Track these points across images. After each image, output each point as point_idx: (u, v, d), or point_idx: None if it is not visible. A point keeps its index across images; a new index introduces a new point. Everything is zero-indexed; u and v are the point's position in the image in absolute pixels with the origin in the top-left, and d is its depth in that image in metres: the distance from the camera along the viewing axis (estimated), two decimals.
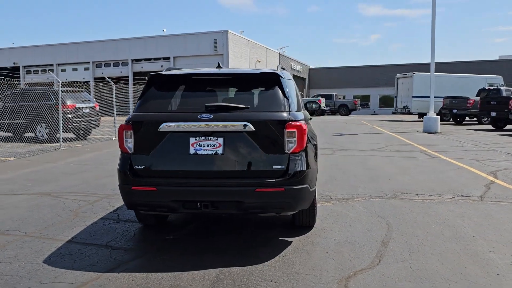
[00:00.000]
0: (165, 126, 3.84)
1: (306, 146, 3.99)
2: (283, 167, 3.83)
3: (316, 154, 4.41)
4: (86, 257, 3.93)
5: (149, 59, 33.31)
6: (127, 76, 33.37)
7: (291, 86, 4.35)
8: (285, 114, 3.88)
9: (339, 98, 36.51)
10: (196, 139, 3.84)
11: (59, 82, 12.80)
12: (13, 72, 34.51)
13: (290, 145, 3.85)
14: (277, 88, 4.03)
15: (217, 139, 3.83)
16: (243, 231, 4.70)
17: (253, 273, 3.52)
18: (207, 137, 3.84)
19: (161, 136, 3.88)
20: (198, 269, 3.60)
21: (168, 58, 32.36)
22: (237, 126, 3.80)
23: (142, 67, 33.80)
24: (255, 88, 4.07)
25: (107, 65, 34.94)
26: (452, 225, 4.77)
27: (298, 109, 4.31)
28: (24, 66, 38.37)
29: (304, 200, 4.00)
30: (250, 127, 3.79)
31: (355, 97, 42.70)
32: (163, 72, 4.22)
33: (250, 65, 34.10)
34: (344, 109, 34.33)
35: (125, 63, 34.00)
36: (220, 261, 3.79)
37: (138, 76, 33.14)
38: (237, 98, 4.01)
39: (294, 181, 3.83)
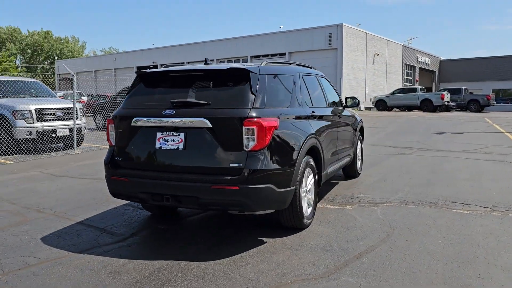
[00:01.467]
0: (135, 121, 4.05)
1: (272, 144, 3.81)
2: (240, 165, 3.73)
3: (294, 153, 4.15)
4: (75, 237, 4.37)
5: (267, 55, 34.23)
6: None
7: (271, 81, 4.18)
8: (244, 111, 3.76)
9: (471, 93, 32.84)
10: (161, 134, 3.97)
11: None
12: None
13: (249, 142, 3.73)
14: (244, 84, 3.92)
15: (179, 135, 3.91)
16: (232, 226, 4.69)
17: (193, 269, 3.52)
18: (170, 132, 3.94)
19: (135, 131, 4.10)
20: (151, 259, 3.74)
21: (284, 54, 32.86)
22: (195, 122, 3.82)
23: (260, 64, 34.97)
24: (223, 84, 4.02)
25: (229, 62, 36.96)
26: (465, 243, 4.07)
27: (280, 106, 4.14)
28: (161, 65, 42.71)
29: (266, 201, 3.84)
30: (207, 123, 3.78)
31: (494, 91, 37.90)
32: (146, 70, 4.43)
33: (368, 59, 32.74)
34: (474, 105, 30.76)
35: (245, 60, 35.52)
36: (177, 253, 3.87)
37: None
38: (204, 94, 4.01)
39: (251, 180, 3.71)
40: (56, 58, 69.12)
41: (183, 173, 3.89)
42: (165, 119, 3.90)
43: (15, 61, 79.54)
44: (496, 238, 4.19)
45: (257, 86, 3.93)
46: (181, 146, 3.89)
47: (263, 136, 3.74)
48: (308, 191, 4.61)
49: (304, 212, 4.40)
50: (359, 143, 7.28)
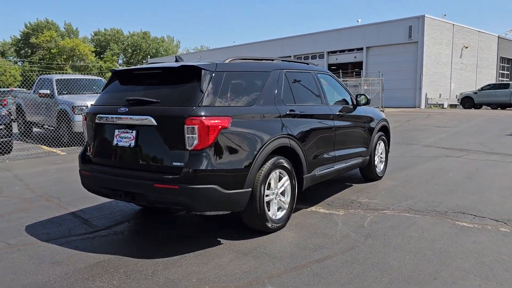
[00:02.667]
0: (99, 118, 4.19)
1: (217, 144, 3.70)
2: (182, 164, 3.68)
3: (255, 153, 3.97)
4: (55, 226, 4.65)
5: (343, 51, 33.26)
6: None
7: (230, 79, 4.04)
8: (187, 109, 3.69)
9: None
10: (118, 131, 4.06)
11: None
12: None
13: (191, 141, 3.66)
14: (194, 81, 3.84)
15: (132, 132, 3.96)
16: (212, 222, 4.65)
17: (128, 266, 3.54)
18: (125, 130, 4.00)
19: (99, 127, 4.24)
20: (98, 253, 3.84)
21: (361, 49, 31.61)
22: (142, 120, 3.84)
23: (336, 59, 34.06)
24: (176, 82, 3.97)
25: (306, 58, 36.52)
26: (435, 261, 3.59)
27: (239, 104, 4.00)
28: None
29: (210, 202, 3.74)
30: (153, 121, 3.78)
31: None
32: (117, 68, 4.54)
33: (454, 52, 30.20)
34: None
35: (321, 56, 34.87)
36: (128, 249, 3.94)
37: (332, 68, 33.60)
38: (157, 92, 3.99)
39: (191, 179, 3.63)
40: (149, 56, 73.93)
41: (134, 170, 3.94)
42: (119, 116, 3.98)
43: (118, 60, 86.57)
44: (477, 258, 3.63)
45: (209, 83, 3.83)
46: (132, 143, 3.94)
47: (205, 135, 3.64)
48: (281, 193, 4.41)
49: (269, 215, 4.21)
50: (381, 144, 6.77)
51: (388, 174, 7.15)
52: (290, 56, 37.24)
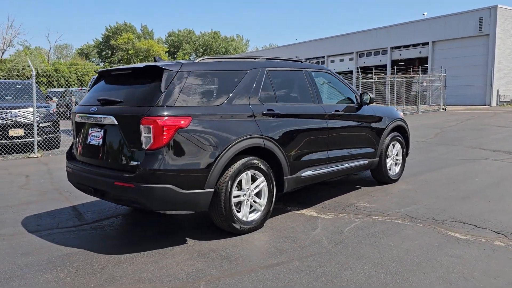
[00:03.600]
0: (78, 117, 4.38)
1: (174, 144, 3.71)
2: (138, 163, 3.74)
3: (217, 155, 3.91)
4: (50, 218, 4.94)
5: (408, 46, 31.72)
6: (386, 65, 32.88)
7: (196, 78, 4.02)
8: (144, 109, 3.73)
9: None
10: (91, 130, 4.21)
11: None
12: None
13: (147, 141, 3.70)
14: (155, 81, 3.87)
15: (100, 131, 4.09)
16: (188, 223, 4.70)
17: (86, 260, 3.65)
18: (96, 129, 4.15)
19: (79, 125, 4.43)
20: (68, 246, 4.02)
21: (427, 44, 29.93)
22: (105, 119, 3.95)
23: (400, 55, 32.58)
24: (142, 82, 4.02)
25: (368, 54, 35.38)
26: (392, 274, 3.32)
27: (204, 104, 3.98)
28: (304, 59, 43.24)
29: (166, 202, 3.76)
30: (114, 121, 3.88)
31: None
32: (100, 69, 4.70)
33: None
34: None
35: (384, 52, 33.57)
36: (99, 244, 4.08)
37: (396, 64, 32.19)
38: (125, 92, 4.07)
39: (145, 179, 3.68)
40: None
41: (101, 167, 4.07)
42: (90, 116, 4.13)
43: (189, 59, 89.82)
44: (443, 274, 3.30)
45: (170, 83, 3.84)
46: (100, 142, 4.07)
47: (160, 135, 3.67)
48: (256, 194, 4.33)
49: (238, 216, 4.15)
50: (396, 145, 6.38)
51: (407, 177, 6.72)
52: (352, 53, 36.29)
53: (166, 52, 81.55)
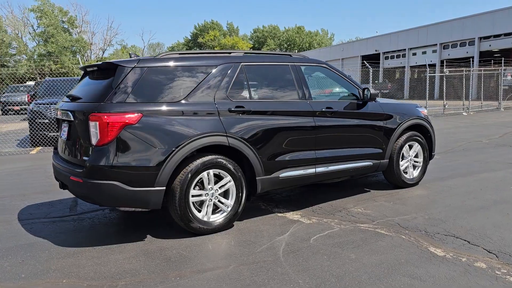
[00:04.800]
0: (57, 112, 4.55)
1: (121, 141, 3.68)
2: (87, 158, 3.78)
3: (170, 153, 3.80)
4: (46, 208, 5.21)
5: (499, 35, 28.68)
6: (472, 57, 30.13)
7: (153, 74, 3.93)
8: (92, 105, 3.75)
9: None
10: (62, 125, 4.35)
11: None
12: (374, 59, 38.21)
13: (95, 137, 3.72)
14: (110, 78, 3.87)
15: (66, 126, 4.20)
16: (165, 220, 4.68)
17: (37, 251, 3.80)
18: (64, 124, 4.26)
19: (58, 120, 4.60)
20: (36, 236, 4.20)
21: None
22: (67, 115, 4.04)
23: (490, 45, 29.59)
24: (101, 78, 4.03)
25: (454, 45, 32.67)
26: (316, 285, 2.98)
27: (159, 100, 3.90)
28: (384, 52, 41.33)
29: (113, 198, 3.74)
30: (70, 116, 3.96)
31: None
32: (81, 65, 4.82)
33: None
34: None
35: (471, 42, 30.74)
36: (64, 236, 4.22)
37: (484, 56, 29.35)
38: (88, 88, 4.12)
39: (91, 174, 3.70)
40: (296, 50, 75.10)
41: (66, 161, 4.18)
42: (61, 111, 4.26)
43: None
44: None
45: (123, 80, 3.81)
46: (65, 136, 4.19)
47: (105, 132, 3.66)
48: (221, 194, 4.17)
49: (197, 216, 4.02)
50: (414, 146, 5.76)
51: (431, 181, 6.06)
52: (436, 45, 33.83)
53: (250, 48, 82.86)
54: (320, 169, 4.81)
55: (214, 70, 4.22)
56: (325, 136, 4.83)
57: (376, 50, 41.75)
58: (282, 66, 4.75)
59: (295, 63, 4.82)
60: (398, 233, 4.06)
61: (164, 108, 3.88)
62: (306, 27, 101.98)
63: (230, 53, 4.56)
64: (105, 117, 3.64)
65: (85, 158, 3.80)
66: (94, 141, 3.71)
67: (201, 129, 3.98)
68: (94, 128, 3.68)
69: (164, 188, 3.82)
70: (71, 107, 4.00)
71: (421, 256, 3.51)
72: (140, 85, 3.85)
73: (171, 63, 4.08)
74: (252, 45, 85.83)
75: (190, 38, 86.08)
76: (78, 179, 3.77)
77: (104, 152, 3.68)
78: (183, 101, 3.99)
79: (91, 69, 4.39)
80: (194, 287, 3.05)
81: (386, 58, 41.23)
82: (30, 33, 50.24)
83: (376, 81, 30.77)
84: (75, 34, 52.29)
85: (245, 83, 4.40)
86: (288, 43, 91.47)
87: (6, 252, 3.79)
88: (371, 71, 16.91)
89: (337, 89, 5.46)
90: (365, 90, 5.15)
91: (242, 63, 4.43)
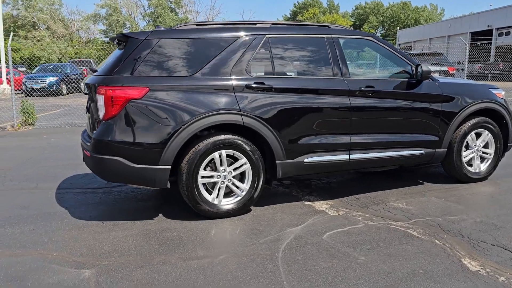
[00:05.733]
0: None
1: (125, 115, 3.55)
2: (94, 132, 3.73)
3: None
4: (87, 179, 5.37)
5: None
6: None
7: (163, 47, 3.72)
8: (100, 78, 3.66)
9: None
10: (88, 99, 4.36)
11: None
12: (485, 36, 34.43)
13: (101, 111, 3.64)
14: (122, 50, 3.74)
15: (88, 100, 4.19)
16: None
17: (43, 220, 3.90)
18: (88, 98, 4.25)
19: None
20: (54, 206, 4.33)
21: None
22: (87, 88, 4.01)
23: None
24: (118, 51, 3.91)
25: None
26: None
27: (167, 74, 3.69)
28: (497, 28, 36.90)
29: (117, 174, 3.66)
30: (87, 90, 3.93)
31: None
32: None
33: None
34: None
35: None
36: (76, 208, 4.29)
37: None
38: (108, 60, 4.01)
39: (96, 149, 3.65)
40: (398, 28, 70.44)
41: (87, 135, 4.19)
42: (84, 86, 4.27)
43: (375, 33, 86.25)
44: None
45: (133, 52, 3.66)
46: (87, 110, 4.19)
47: (109, 105, 3.55)
48: (235, 177, 3.90)
49: (206, 198, 3.80)
50: (484, 135, 4.89)
51: (506, 176, 5.14)
52: None
53: (350, 26, 79.84)
54: (356, 155, 4.27)
55: (233, 43, 3.89)
56: (364, 119, 4.26)
57: (488, 26, 37.36)
58: (315, 38, 4.23)
59: (332, 36, 4.27)
60: (433, 236, 3.44)
61: (173, 82, 3.67)
62: (413, 2, 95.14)
63: (256, 23, 4.17)
64: (110, 90, 3.53)
65: (94, 131, 3.75)
66: (100, 115, 3.64)
67: (212, 107, 3.70)
68: (100, 102, 3.60)
69: (170, 167, 3.64)
70: (89, 81, 3.96)
71: (446, 269, 2.90)
72: (151, 58, 3.67)
73: (186, 35, 3.83)
74: (352, 23, 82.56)
75: (289, 16, 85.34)
76: (87, 153, 3.75)
77: (108, 127, 3.59)
78: (195, 76, 3.74)
79: (116, 41, 4.31)
80: (169, 275, 2.84)
81: (500, 34, 36.74)
82: (141, 13, 53.83)
83: (486, 61, 27.60)
84: (181, 14, 54.84)
85: (269, 57, 4.00)
86: (392, 19, 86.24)
87: (25, 219, 3.93)
88: (477, 47, 15.04)
89: (386, 66, 4.77)
90: (418, 67, 4.42)
91: (267, 35, 4.03)
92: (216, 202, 3.84)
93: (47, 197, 4.61)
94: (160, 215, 4.01)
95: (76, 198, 4.57)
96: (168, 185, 3.75)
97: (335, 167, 4.26)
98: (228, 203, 3.89)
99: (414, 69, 4.48)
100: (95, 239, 3.46)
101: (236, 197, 3.92)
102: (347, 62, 4.24)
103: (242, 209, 3.92)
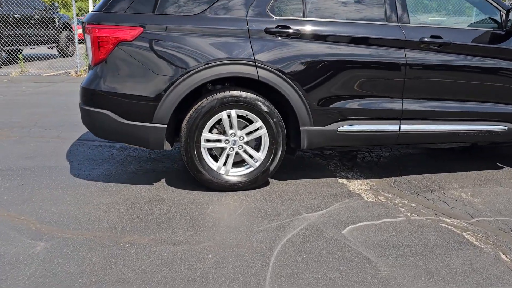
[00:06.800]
0: None
1: (112, 60, 2.95)
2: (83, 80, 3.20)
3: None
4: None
5: None
6: None
7: None
8: (90, 15, 3.06)
9: None
10: None
11: None
12: None
13: (90, 54, 3.07)
14: None
15: None
16: None
17: (57, 171, 3.53)
18: None
19: None
20: (86, 155, 3.97)
21: None
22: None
23: None
24: None
25: None
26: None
27: (167, 12, 3.00)
28: None
29: (105, 130, 3.11)
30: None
31: None
32: None
33: None
34: None
35: None
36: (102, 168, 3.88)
37: None
38: None
39: (85, 99, 3.14)
40: None
41: None
42: None
43: None
44: None
45: None
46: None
47: (96, 48, 2.95)
48: (248, 143, 3.20)
49: (210, 166, 3.16)
50: None
51: None
52: None
53: None
54: (408, 126, 3.32)
55: None
56: (424, 80, 3.26)
57: None
58: None
59: None
60: (498, 247, 2.49)
61: (173, 22, 2.96)
62: None
63: None
64: (97, 30, 2.93)
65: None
66: (90, 59, 3.07)
67: (219, 54, 2.96)
68: (89, 43, 3.02)
69: (165, 126, 3.01)
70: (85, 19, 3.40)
71: (486, 280, 1.99)
72: None
73: None
74: None
75: None
76: (80, 105, 3.24)
77: (96, 74, 3.03)
78: (202, 15, 2.99)
79: None
80: (127, 263, 2.27)
81: None
82: None
83: None
84: None
85: None
86: None
87: (22, 171, 3.60)
88: None
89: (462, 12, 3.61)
90: (510, 13, 3.24)
91: None
92: (222, 171, 3.17)
93: (60, 148, 4.28)
94: (163, 180, 3.45)
95: (87, 152, 4.17)
96: (167, 147, 3.14)
97: (379, 140, 3.36)
98: (237, 174, 3.21)
99: (504, 16, 3.30)
100: (76, 203, 2.99)
101: (248, 167, 3.22)
102: (407, 2, 3.20)
103: (254, 182, 3.22)
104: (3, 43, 10.33)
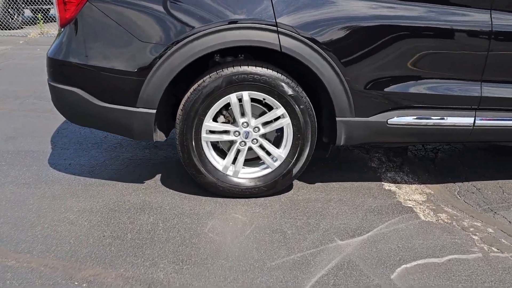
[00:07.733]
0: None
1: (83, 22, 2.19)
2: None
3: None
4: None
5: None
6: None
7: None
8: None
9: None
10: None
11: None
12: None
13: (57, 13, 2.29)
14: None
15: None
16: None
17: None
18: None
19: None
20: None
21: None
22: None
23: None
24: None
25: None
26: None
27: None
28: None
29: (77, 114, 2.38)
30: None
31: None
32: None
33: None
34: None
35: None
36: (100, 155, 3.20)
37: None
38: None
39: (52, 74, 2.39)
40: None
41: None
42: None
43: None
44: None
45: None
46: None
47: (62, 6, 2.19)
48: (263, 137, 2.40)
49: (215, 165, 2.40)
50: None
51: None
52: None
53: None
54: (485, 121, 2.41)
55: None
56: None
57: None
58: None
59: None
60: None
61: None
62: None
63: None
64: None
65: None
66: (58, 22, 2.30)
67: (226, 15, 2.11)
68: (55, 2, 2.25)
69: (154, 111, 2.24)
70: None
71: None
72: None
73: None
74: None
75: None
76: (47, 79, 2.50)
77: (63, 39, 2.28)
78: None
79: None
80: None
81: None
82: None
83: None
84: None
85: None
86: None
87: (13, 155, 2.96)
88: None
89: None
90: None
91: None
92: (229, 172, 2.39)
93: (48, 126, 3.62)
94: (157, 177, 2.73)
95: (78, 133, 3.49)
96: (159, 138, 2.39)
97: (443, 136, 2.48)
98: (249, 176, 2.43)
99: None
100: (39, 208, 2.32)
101: (264, 168, 2.43)
102: None
103: (271, 188, 2.43)
104: (27, 1, 9.74)
